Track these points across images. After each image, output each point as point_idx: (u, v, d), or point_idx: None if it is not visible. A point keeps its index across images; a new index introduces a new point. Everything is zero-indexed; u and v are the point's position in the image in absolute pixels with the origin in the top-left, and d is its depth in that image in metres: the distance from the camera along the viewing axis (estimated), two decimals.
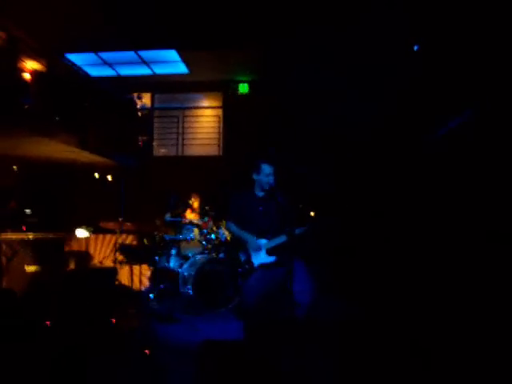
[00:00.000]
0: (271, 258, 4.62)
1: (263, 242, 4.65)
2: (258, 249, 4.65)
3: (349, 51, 10.21)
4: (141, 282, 8.63)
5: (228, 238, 7.88)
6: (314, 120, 11.20)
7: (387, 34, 9.25)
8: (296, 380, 3.98)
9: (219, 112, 14.59)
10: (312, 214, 4.82)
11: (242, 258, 4.67)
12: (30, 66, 10.43)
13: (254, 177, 4.85)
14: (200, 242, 8.14)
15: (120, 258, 8.72)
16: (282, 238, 4.59)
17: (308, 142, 11.17)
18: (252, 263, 4.60)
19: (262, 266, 4.59)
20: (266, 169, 4.76)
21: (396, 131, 8.99)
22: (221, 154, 14.13)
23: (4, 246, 8.25)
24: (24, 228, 8.72)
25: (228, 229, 5.07)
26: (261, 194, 4.83)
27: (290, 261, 4.25)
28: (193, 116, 14.76)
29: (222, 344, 4.66)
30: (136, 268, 8.68)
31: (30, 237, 8.65)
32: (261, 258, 4.62)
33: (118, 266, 8.66)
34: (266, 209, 4.74)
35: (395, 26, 8.99)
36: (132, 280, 8.42)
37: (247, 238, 4.70)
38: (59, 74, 11.39)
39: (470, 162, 6.40)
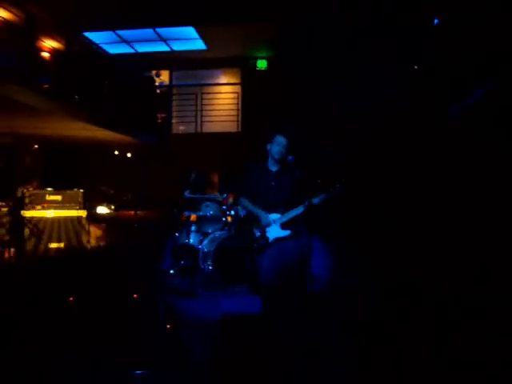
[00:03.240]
0: (286, 232, 4.63)
1: (276, 216, 4.66)
2: (269, 224, 4.67)
3: (368, 24, 10.09)
4: (161, 258, 8.72)
5: (244, 214, 7.88)
6: (331, 95, 11.11)
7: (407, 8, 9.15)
8: (312, 353, 4.03)
9: (237, 88, 14.54)
10: (333, 183, 4.79)
11: (257, 233, 4.68)
12: (49, 44, 10.47)
13: (268, 147, 4.85)
14: (219, 218, 8.17)
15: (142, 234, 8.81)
16: (298, 210, 4.59)
17: (326, 117, 11.10)
18: (267, 238, 4.62)
19: (278, 239, 4.61)
20: (279, 139, 4.75)
21: (418, 102, 8.88)
22: (239, 130, 14.11)
23: (28, 224, 8.41)
24: (46, 205, 8.85)
25: (241, 203, 5.07)
26: (274, 168, 4.83)
27: (308, 234, 4.27)
28: (211, 93, 14.74)
29: (240, 318, 4.73)
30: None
31: (53, 215, 8.80)
32: (275, 232, 4.64)
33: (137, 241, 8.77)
34: (279, 183, 4.73)
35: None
36: (152, 256, 8.51)
37: (259, 214, 4.71)
38: (78, 53, 11.43)
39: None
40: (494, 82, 6.60)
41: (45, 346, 4.28)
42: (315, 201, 4.56)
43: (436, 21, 9.08)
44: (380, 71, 10.50)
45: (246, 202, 4.92)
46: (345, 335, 4.68)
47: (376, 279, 6.41)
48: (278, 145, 4.74)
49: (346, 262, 6.93)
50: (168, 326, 4.90)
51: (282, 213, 4.66)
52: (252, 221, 4.82)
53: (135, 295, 6.05)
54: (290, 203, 4.65)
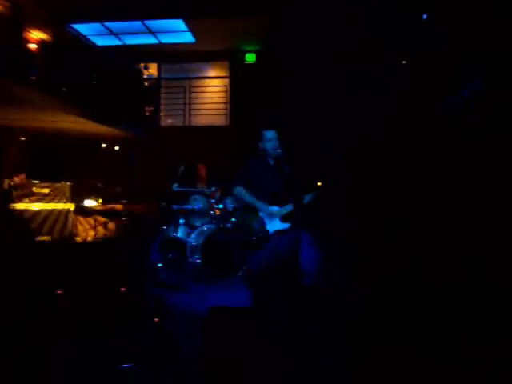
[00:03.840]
0: (285, 225, 4.63)
1: (275, 208, 4.66)
2: (272, 215, 4.66)
3: (357, 18, 10.11)
4: (149, 251, 8.70)
5: (236, 208, 7.88)
6: (321, 89, 11.12)
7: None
8: (302, 347, 4.04)
9: (226, 82, 14.51)
10: (319, 183, 4.80)
11: (256, 225, 4.67)
12: (37, 36, 10.39)
13: (261, 146, 4.85)
14: (208, 211, 8.17)
15: (129, 228, 8.79)
16: (291, 206, 4.60)
17: (316, 111, 11.11)
18: (267, 231, 4.61)
19: (278, 232, 4.60)
20: (268, 134, 4.76)
21: (412, 96, 8.91)
22: (228, 123, 14.10)
23: (16, 217, 8.36)
24: (33, 198, 8.80)
25: (237, 193, 5.02)
26: (272, 162, 4.84)
27: (298, 229, 4.27)
28: (199, 86, 14.70)
29: (228, 311, 4.73)
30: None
31: (40, 208, 8.75)
32: (275, 224, 4.63)
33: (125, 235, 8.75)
34: (278, 177, 4.73)
35: None
36: (140, 249, 8.50)
37: (259, 206, 4.70)
38: (65, 45, 11.36)
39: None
40: (479, 81, 6.64)
41: (32, 339, 4.27)
42: (305, 199, 4.58)
43: (424, 16, 9.11)
44: (370, 64, 10.52)
45: (243, 191, 4.88)
46: (336, 331, 4.70)
47: (366, 275, 6.44)
48: (269, 140, 4.75)
49: (336, 257, 6.95)
50: (156, 320, 4.90)
51: (281, 205, 4.66)
52: (249, 213, 4.81)
53: (123, 288, 6.04)
54: (288, 196, 4.65)
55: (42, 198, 8.85)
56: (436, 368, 3.81)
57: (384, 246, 7.22)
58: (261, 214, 4.70)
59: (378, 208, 8.19)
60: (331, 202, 5.37)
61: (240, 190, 4.91)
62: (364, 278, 6.38)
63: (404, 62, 10.49)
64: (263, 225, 4.65)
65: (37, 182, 9.03)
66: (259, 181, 4.81)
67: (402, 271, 6.32)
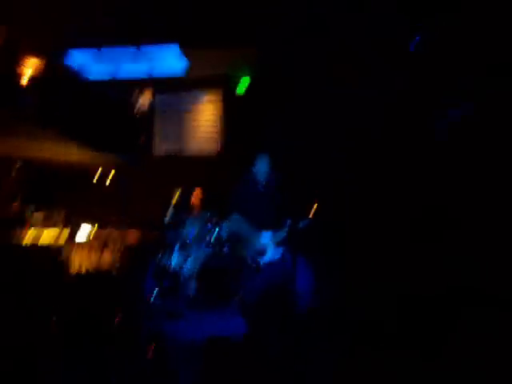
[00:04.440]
0: (279, 250, 4.61)
1: (268, 234, 4.64)
2: (263, 242, 4.64)
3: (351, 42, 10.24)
4: (144, 278, 8.64)
5: (231, 234, 7.85)
6: (314, 117, 11.21)
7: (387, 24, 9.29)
8: (298, 372, 4.01)
9: (219, 108, 14.56)
10: (315, 207, 4.81)
11: (250, 252, 4.65)
12: (29, 64, 10.43)
13: (253, 171, 4.85)
14: (202, 237, 8.14)
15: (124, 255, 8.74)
16: (285, 231, 4.59)
17: (310, 136, 11.17)
18: (261, 257, 4.59)
19: (272, 259, 4.58)
20: (259, 160, 4.77)
21: (404, 120, 9.00)
22: (221, 150, 14.11)
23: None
24: (28, 226, 8.76)
25: (233, 223, 5.04)
26: (263, 187, 4.84)
27: (293, 254, 4.26)
28: (193, 113, 14.74)
29: (225, 340, 4.70)
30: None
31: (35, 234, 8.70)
32: (269, 251, 4.61)
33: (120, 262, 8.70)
34: (271, 203, 4.73)
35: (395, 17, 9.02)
36: (135, 277, 8.44)
37: (253, 234, 4.68)
38: (60, 74, 11.39)
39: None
40: (469, 104, 6.73)
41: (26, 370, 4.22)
42: (301, 224, 4.58)
43: (417, 38, 9.23)
44: (362, 87, 10.63)
45: (237, 220, 4.88)
46: (332, 354, 4.67)
47: (361, 294, 6.43)
48: (260, 166, 4.76)
49: (330, 278, 6.94)
50: (151, 348, 4.86)
51: (274, 231, 4.64)
52: (242, 239, 4.80)
53: (117, 317, 6.00)
54: (281, 222, 4.64)
55: (36, 224, 8.80)
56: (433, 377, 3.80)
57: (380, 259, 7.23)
58: (254, 240, 4.69)
59: (372, 225, 8.21)
60: (326, 223, 5.38)
61: (234, 219, 4.91)
62: (359, 293, 6.38)
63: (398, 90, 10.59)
64: (257, 251, 4.64)
65: (31, 208, 9.00)
66: (252, 207, 4.80)
67: (397, 285, 6.32)
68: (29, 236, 8.65)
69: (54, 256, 8.86)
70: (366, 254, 7.71)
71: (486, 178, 6.46)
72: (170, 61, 13.08)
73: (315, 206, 4.80)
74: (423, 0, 8.30)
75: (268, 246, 4.61)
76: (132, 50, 12.32)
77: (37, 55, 10.59)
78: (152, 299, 7.28)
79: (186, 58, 12.87)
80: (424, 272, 6.37)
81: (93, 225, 10.63)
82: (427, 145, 8.09)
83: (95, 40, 11.71)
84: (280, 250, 4.59)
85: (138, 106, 13.74)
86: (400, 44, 9.31)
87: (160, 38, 11.57)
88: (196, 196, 9.16)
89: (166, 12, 10.01)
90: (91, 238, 10.16)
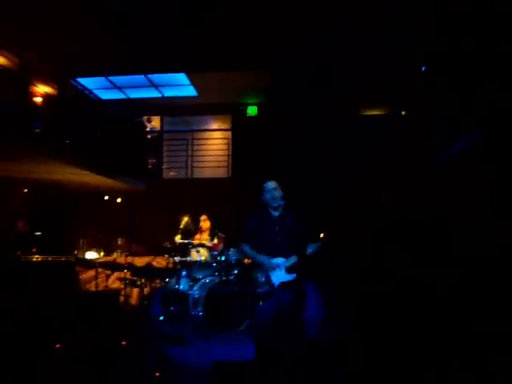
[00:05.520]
0: (291, 276, 4.56)
1: (280, 260, 4.59)
2: (274, 269, 4.59)
3: (350, 74, 10.35)
4: (150, 304, 8.61)
5: (239, 260, 7.84)
6: (322, 140, 11.27)
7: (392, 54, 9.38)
8: None
9: (228, 134, 14.65)
10: (322, 235, 4.78)
11: (261, 278, 4.61)
12: (42, 89, 10.54)
13: (263, 199, 4.84)
14: (210, 263, 8.12)
15: (130, 280, 8.72)
16: (295, 258, 4.55)
17: (315, 163, 11.22)
18: (272, 284, 4.54)
19: (283, 284, 4.53)
20: (268, 185, 4.75)
21: (408, 151, 9.05)
22: (230, 176, 14.15)
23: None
24: (34, 250, 8.76)
25: (243, 250, 5.00)
26: (275, 213, 4.81)
27: (303, 281, 4.23)
28: (202, 138, 14.83)
29: (232, 366, 4.64)
30: (146, 290, 8.67)
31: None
32: (280, 276, 4.57)
33: (128, 288, 8.67)
34: (281, 228, 4.70)
35: (402, 46, 9.11)
36: (142, 302, 8.41)
37: (262, 260, 4.64)
38: (70, 98, 11.52)
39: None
40: (479, 132, 6.75)
41: None
42: (309, 250, 4.55)
43: (423, 68, 9.30)
44: (370, 115, 10.69)
45: (247, 248, 4.85)
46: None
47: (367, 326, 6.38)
48: (268, 191, 4.74)
49: (338, 308, 6.89)
50: (157, 374, 4.81)
51: (286, 257, 4.60)
52: (255, 266, 4.75)
53: (124, 342, 5.96)
54: (293, 247, 4.60)
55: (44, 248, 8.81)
56: None
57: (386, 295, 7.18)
58: (265, 267, 4.65)
59: (381, 260, 8.19)
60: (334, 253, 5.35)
61: (245, 248, 4.88)
62: (365, 329, 6.33)
63: (403, 113, 10.68)
64: (268, 277, 4.60)
65: (38, 232, 9.01)
66: (262, 234, 4.77)
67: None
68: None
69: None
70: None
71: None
72: (178, 88, 13.22)
73: (326, 231, 4.76)
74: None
75: (279, 271, 4.57)
76: (141, 78, 12.47)
77: (48, 79, 10.71)
78: (159, 324, 7.24)
79: (193, 86, 12.99)
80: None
81: (101, 249, 10.66)
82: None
83: (104, 68, 11.84)
84: (291, 275, 4.55)
85: (146, 130, 13.83)
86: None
87: (168, 66, 11.68)
88: (205, 221, 9.17)
89: (174, 40, 10.12)
90: (99, 262, 10.14)
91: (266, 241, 4.71)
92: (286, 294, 4.50)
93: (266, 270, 4.60)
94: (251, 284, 4.72)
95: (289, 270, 4.57)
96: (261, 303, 4.56)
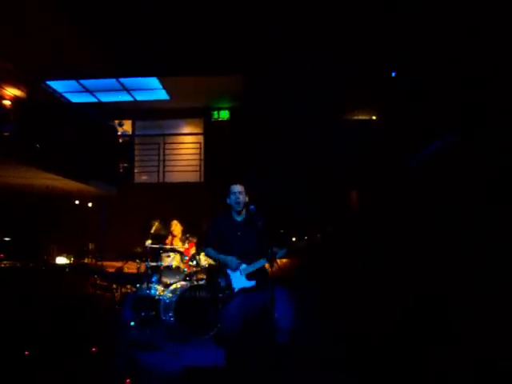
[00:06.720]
0: (251, 283, 4.57)
1: (242, 266, 4.60)
2: (237, 269, 4.59)
3: (327, 79, 10.40)
4: (121, 309, 8.55)
5: (207, 265, 7.83)
6: (293, 145, 11.31)
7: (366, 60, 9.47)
8: None
9: (200, 138, 14.65)
10: (294, 238, 4.79)
11: (222, 283, 4.61)
12: (11, 92, 10.42)
13: (228, 202, 4.84)
14: (181, 268, 8.10)
15: (100, 285, 8.65)
16: (262, 262, 4.55)
17: (288, 168, 11.25)
18: (232, 288, 4.55)
19: (243, 290, 4.54)
20: (234, 188, 4.76)
21: (381, 154, 9.12)
22: (202, 180, 14.16)
23: None
24: (2, 256, 8.65)
25: (207, 254, 5.01)
26: (239, 218, 4.82)
27: (272, 285, 4.24)
28: (174, 143, 14.80)
29: (203, 371, 4.64)
30: (117, 295, 8.61)
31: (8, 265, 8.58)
32: (241, 282, 4.57)
33: (99, 293, 8.60)
34: (245, 233, 4.70)
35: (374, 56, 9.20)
36: (113, 307, 8.34)
37: (227, 260, 4.64)
38: (40, 101, 11.40)
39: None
40: (455, 135, 6.82)
41: None
42: (278, 254, 4.54)
43: (394, 73, 9.42)
44: (342, 120, 10.77)
45: (211, 251, 4.85)
46: None
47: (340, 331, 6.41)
48: (233, 194, 4.75)
49: (310, 313, 6.91)
50: (128, 380, 4.79)
51: (248, 263, 4.60)
52: (217, 271, 4.75)
53: (94, 348, 5.91)
54: (255, 253, 4.60)
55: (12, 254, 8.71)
56: None
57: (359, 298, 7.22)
58: (228, 270, 4.65)
59: (354, 263, 8.23)
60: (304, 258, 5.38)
61: (208, 251, 4.89)
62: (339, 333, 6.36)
63: (374, 118, 10.80)
64: (229, 282, 4.60)
65: (7, 238, 8.90)
66: (225, 240, 4.77)
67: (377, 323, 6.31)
68: None
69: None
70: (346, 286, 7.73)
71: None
72: (150, 92, 13.20)
73: (294, 235, 4.77)
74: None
75: (240, 276, 4.58)
76: (112, 81, 12.41)
77: (18, 82, 10.59)
78: (129, 330, 7.20)
79: (165, 90, 12.98)
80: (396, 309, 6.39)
81: (70, 255, 10.55)
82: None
83: (75, 71, 11.75)
84: (252, 282, 4.55)
85: (118, 134, 13.76)
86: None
87: (139, 70, 11.64)
88: (176, 225, 9.13)
89: (146, 44, 10.10)
90: (68, 267, 10.04)
91: (228, 246, 4.73)
92: (250, 299, 4.50)
93: (228, 274, 4.61)
94: (213, 288, 4.72)
95: (249, 276, 4.57)
96: (223, 308, 4.56)
